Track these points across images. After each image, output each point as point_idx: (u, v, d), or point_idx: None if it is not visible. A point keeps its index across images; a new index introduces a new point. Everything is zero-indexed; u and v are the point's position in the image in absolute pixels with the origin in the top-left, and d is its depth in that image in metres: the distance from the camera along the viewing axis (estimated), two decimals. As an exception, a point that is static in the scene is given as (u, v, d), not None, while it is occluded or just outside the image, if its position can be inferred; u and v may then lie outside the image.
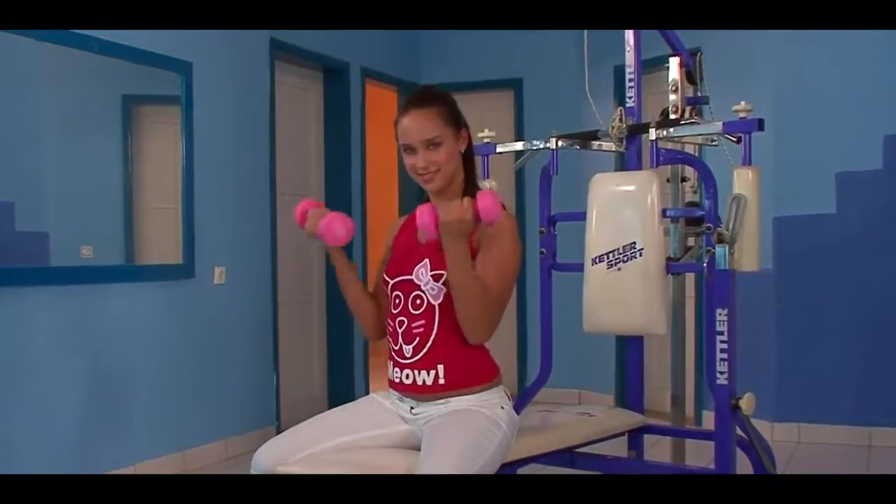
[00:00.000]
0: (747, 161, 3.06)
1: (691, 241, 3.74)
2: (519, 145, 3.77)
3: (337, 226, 2.61)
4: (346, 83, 6.42)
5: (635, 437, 3.53)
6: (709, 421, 5.22)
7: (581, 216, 3.51)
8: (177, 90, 4.95)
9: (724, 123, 3.12)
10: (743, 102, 3.05)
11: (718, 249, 2.94)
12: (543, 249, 3.65)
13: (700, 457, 4.33)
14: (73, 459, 4.33)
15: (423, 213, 2.47)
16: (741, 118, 3.05)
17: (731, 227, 2.95)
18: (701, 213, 3.34)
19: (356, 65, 6.48)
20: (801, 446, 5.29)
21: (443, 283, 2.58)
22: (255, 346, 5.50)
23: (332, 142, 6.43)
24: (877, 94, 5.34)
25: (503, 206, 2.72)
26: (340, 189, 6.40)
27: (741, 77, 5.31)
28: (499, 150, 3.78)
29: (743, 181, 3.03)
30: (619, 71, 6.25)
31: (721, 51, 5.33)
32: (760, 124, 3.02)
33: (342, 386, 6.40)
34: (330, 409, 6.13)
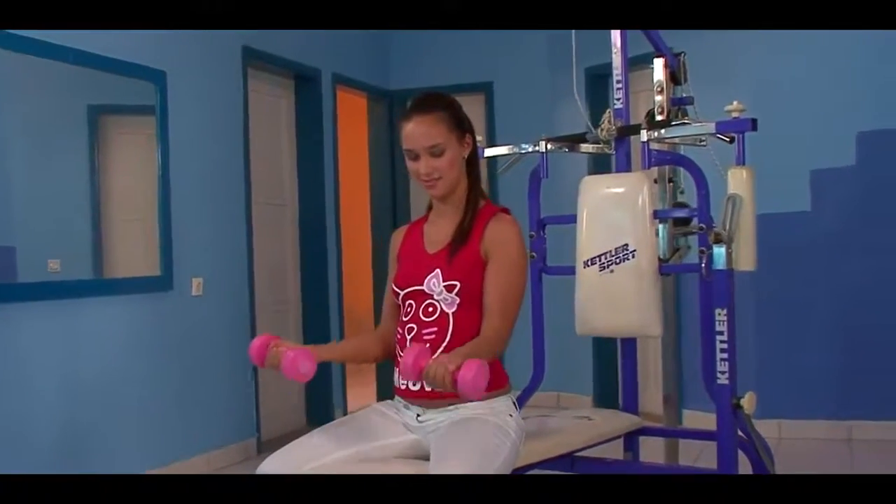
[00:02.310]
0: (741, 161, 3.07)
1: (680, 242, 3.74)
2: (506, 149, 3.75)
3: (300, 363, 2.46)
4: (318, 90, 6.37)
5: (631, 439, 3.52)
6: (692, 420, 5.26)
7: (570, 219, 3.51)
8: (144, 100, 4.88)
9: (717, 123, 3.12)
10: (735, 102, 3.06)
11: (716, 249, 2.94)
12: (534, 253, 3.63)
13: (692, 456, 4.35)
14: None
15: (409, 356, 2.33)
16: (734, 118, 3.06)
17: (727, 226, 2.95)
18: (693, 213, 3.34)
19: (327, 71, 6.45)
20: (782, 442, 5.32)
21: (456, 294, 2.57)
22: (233, 357, 5.44)
23: (304, 149, 6.38)
24: (849, 92, 5.40)
25: (507, 212, 2.71)
26: (314, 197, 6.36)
27: (717, 79, 5.33)
28: (486, 154, 3.76)
29: (737, 181, 3.04)
30: (591, 73, 6.39)
31: (696, 52, 5.33)
32: (754, 124, 3.03)
33: (320, 396, 6.35)
34: (308, 419, 6.24)
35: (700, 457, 4.68)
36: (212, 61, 5.33)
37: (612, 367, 6.61)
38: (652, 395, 5.49)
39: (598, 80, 6.32)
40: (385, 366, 7.19)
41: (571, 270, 3.49)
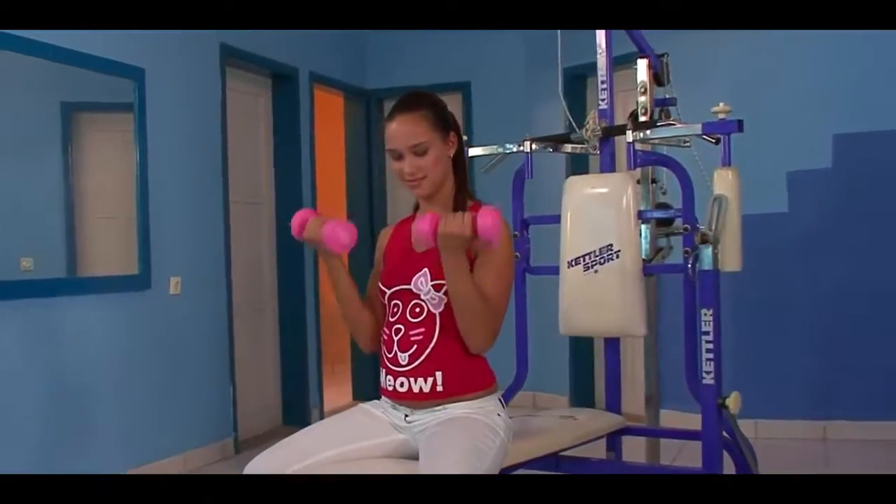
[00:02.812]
0: (727, 162, 3.09)
1: (662, 243, 3.76)
2: (490, 149, 3.75)
3: (341, 232, 2.56)
4: (296, 89, 6.35)
5: (613, 438, 3.53)
6: (668, 420, 5.28)
7: (554, 219, 3.51)
8: (119, 97, 4.84)
9: (703, 124, 3.13)
10: (722, 104, 3.08)
11: (703, 250, 2.95)
12: (518, 253, 3.63)
13: (670, 456, 4.37)
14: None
15: (422, 222, 2.43)
16: (720, 119, 3.07)
17: (713, 227, 2.96)
18: (678, 214, 3.36)
19: (305, 70, 6.42)
20: (758, 441, 5.30)
21: (444, 293, 2.56)
22: (211, 356, 5.42)
23: (281, 148, 6.35)
24: (825, 95, 5.45)
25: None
26: (291, 196, 6.33)
27: (693, 80, 5.35)
28: (470, 154, 3.75)
29: (723, 181, 3.05)
30: (568, 73, 6.40)
31: (674, 54, 5.36)
32: (740, 125, 3.04)
33: (296, 395, 6.33)
34: (284, 419, 6.21)
35: (678, 456, 4.71)
36: (190, 59, 5.30)
37: (588, 367, 6.66)
38: (628, 395, 5.50)
39: (575, 81, 6.35)
40: (361, 366, 7.22)
41: (555, 270, 3.50)
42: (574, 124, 3.63)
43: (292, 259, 6.33)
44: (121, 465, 4.69)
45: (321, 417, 6.43)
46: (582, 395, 6.54)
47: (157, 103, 4.98)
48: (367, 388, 7.14)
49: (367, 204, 7.28)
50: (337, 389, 7.12)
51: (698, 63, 5.55)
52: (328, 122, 7.21)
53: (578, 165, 6.33)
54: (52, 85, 4.50)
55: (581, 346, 6.51)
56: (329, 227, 2.56)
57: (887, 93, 5.37)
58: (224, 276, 5.57)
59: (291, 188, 6.34)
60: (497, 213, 2.41)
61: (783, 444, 5.29)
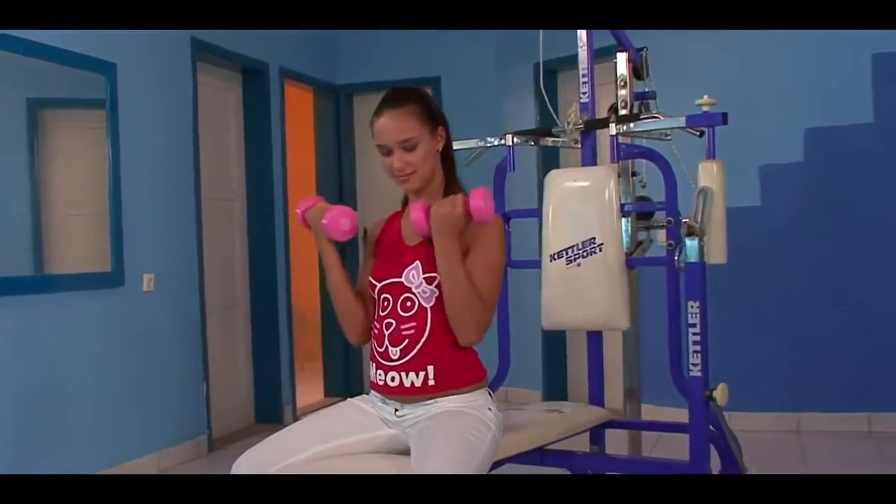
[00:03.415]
0: (711, 154, 3.09)
1: (642, 236, 3.77)
2: (471, 142, 3.73)
3: (341, 219, 2.61)
4: (266, 84, 6.30)
5: (597, 432, 3.53)
6: (645, 413, 5.30)
7: (534, 212, 3.50)
8: (87, 93, 4.77)
9: (687, 117, 3.14)
10: (706, 96, 3.08)
11: (689, 242, 2.95)
12: (499, 247, 3.62)
13: (647, 448, 4.38)
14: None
15: (416, 209, 2.47)
16: (704, 112, 3.08)
17: (699, 219, 2.96)
18: (660, 207, 3.36)
19: (275, 65, 6.37)
20: (733, 435, 5.37)
21: (436, 286, 2.54)
22: (184, 354, 5.36)
23: (252, 144, 6.31)
24: (797, 90, 5.50)
25: (494, 220, 2.69)
26: (262, 192, 6.29)
27: (666, 75, 5.37)
28: (451, 148, 3.73)
29: (708, 174, 3.06)
30: (538, 69, 6.39)
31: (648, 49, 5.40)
32: (724, 118, 3.05)
33: (269, 393, 6.29)
34: (257, 417, 6.17)
35: (654, 448, 4.73)
36: (161, 53, 5.24)
37: (561, 362, 6.67)
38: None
39: (547, 76, 6.33)
40: (332, 364, 7.18)
41: (536, 264, 3.49)
42: (556, 118, 3.62)
43: (264, 256, 6.29)
44: (95, 465, 4.63)
45: (294, 415, 6.40)
46: (555, 391, 6.56)
47: (129, 99, 4.92)
48: (337, 386, 7.13)
49: (337, 199, 7.24)
50: (308, 388, 7.08)
51: (670, 59, 5.56)
52: (298, 117, 7.17)
53: (550, 159, 6.34)
54: (18, 81, 4.40)
55: (554, 342, 6.52)
56: (331, 213, 2.59)
57: (857, 87, 5.42)
58: (197, 272, 5.51)
59: (262, 184, 6.30)
60: (488, 192, 2.47)
61: (758, 437, 5.30)
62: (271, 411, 6.23)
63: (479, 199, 2.44)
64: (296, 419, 6.34)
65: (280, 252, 6.35)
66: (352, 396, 2.76)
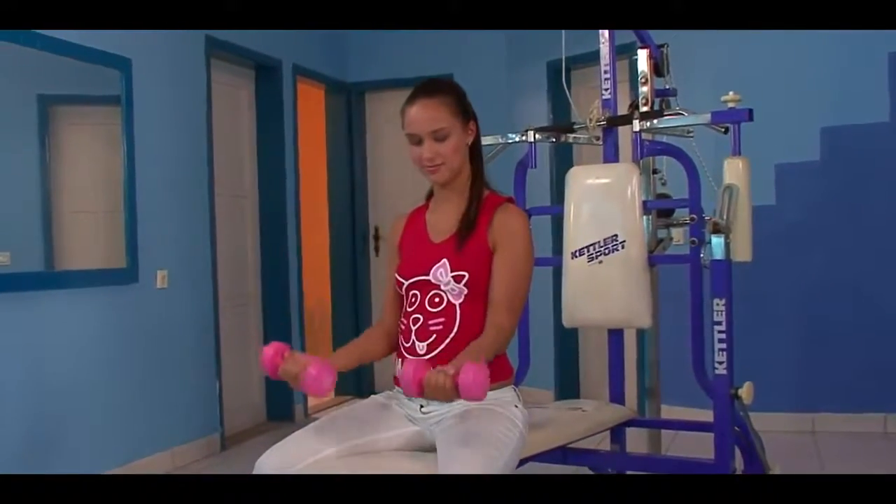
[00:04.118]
0: (737, 151, 3.08)
1: (662, 234, 3.75)
2: (492, 138, 3.71)
3: (326, 378, 2.37)
4: (279, 81, 6.28)
5: (617, 430, 3.51)
6: (662, 412, 5.28)
7: (556, 209, 3.49)
8: (99, 90, 4.75)
9: (713, 113, 3.12)
10: (731, 93, 3.06)
11: (715, 240, 2.93)
12: (519, 244, 3.60)
13: (663, 447, 4.35)
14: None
15: (407, 371, 2.25)
16: (730, 108, 3.06)
17: (724, 216, 2.94)
18: (684, 204, 3.34)
19: (288, 62, 6.35)
20: (747, 435, 5.35)
21: (464, 285, 2.52)
22: (197, 351, 5.34)
23: (265, 141, 6.28)
24: (813, 89, 5.47)
25: (512, 201, 2.68)
26: (274, 189, 6.27)
27: (680, 72, 5.36)
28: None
29: (733, 171, 3.04)
30: (552, 67, 6.39)
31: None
32: (750, 114, 3.03)
33: (280, 392, 6.25)
34: (268, 415, 6.15)
35: (671, 447, 4.71)
36: (176, 50, 5.22)
37: (573, 361, 6.65)
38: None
39: (558, 74, 6.32)
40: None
41: (556, 262, 3.47)
42: (576, 114, 3.60)
43: (276, 253, 6.27)
44: (106, 463, 4.61)
45: (305, 414, 6.38)
46: (567, 390, 6.53)
47: (143, 95, 4.90)
48: (348, 384, 7.09)
49: (348, 197, 7.23)
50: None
51: (685, 57, 5.53)
52: (310, 115, 7.14)
53: (563, 157, 6.33)
54: (29, 76, 4.37)
55: (566, 341, 6.50)
56: (311, 373, 2.36)
57: (874, 86, 5.39)
58: (210, 270, 5.49)
59: (275, 181, 6.27)
60: (480, 367, 2.19)
61: (773, 437, 5.26)
62: (283, 409, 6.20)
63: (469, 377, 2.16)
64: (307, 417, 6.32)
65: (292, 250, 6.33)
66: (360, 394, 2.73)
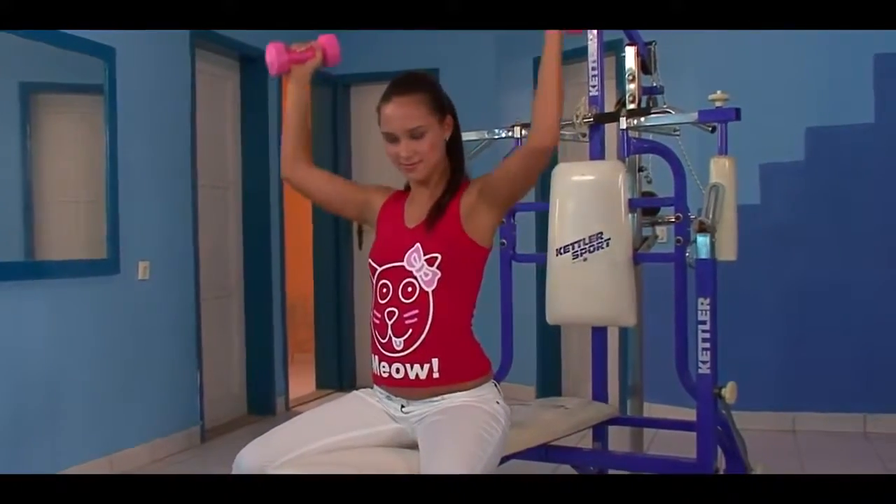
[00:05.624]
0: (723, 150, 3.08)
1: (647, 232, 3.74)
2: (478, 134, 3.69)
3: (335, 42, 2.82)
4: (264, 72, 6.19)
5: (599, 428, 3.50)
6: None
7: (540, 206, 3.47)
8: (82, 78, 4.70)
9: (699, 112, 3.11)
10: (719, 91, 3.06)
11: (700, 238, 2.93)
12: (504, 240, 3.60)
13: (646, 445, 4.36)
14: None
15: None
16: (717, 107, 3.05)
17: (710, 215, 2.94)
18: (669, 203, 3.34)
19: (273, 53, 6.30)
20: (728, 433, 5.36)
21: (437, 268, 2.50)
22: (178, 343, 5.31)
23: (249, 132, 6.25)
24: (799, 89, 5.47)
25: None
26: (257, 180, 6.23)
27: (670, 71, 5.36)
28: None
29: (720, 170, 3.04)
30: (537, 62, 6.36)
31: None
32: (737, 113, 3.02)
33: (262, 383, 6.24)
34: (249, 408, 6.12)
35: (651, 445, 4.72)
36: (160, 39, 5.17)
37: (556, 358, 6.64)
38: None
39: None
40: (325, 355, 7.14)
41: (541, 258, 3.46)
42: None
43: (259, 245, 6.23)
44: (87, 455, 4.57)
45: (286, 406, 6.35)
46: (549, 387, 6.53)
47: (127, 84, 4.85)
48: (330, 378, 7.08)
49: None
50: (299, 379, 7.02)
51: (671, 56, 5.52)
52: (294, 107, 7.10)
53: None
54: (11, 63, 4.31)
55: (548, 337, 6.49)
56: (326, 37, 2.83)
57: (859, 87, 5.40)
58: (192, 261, 5.46)
59: (258, 173, 6.24)
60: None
61: (753, 435, 5.27)
62: (264, 402, 6.18)
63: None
64: (288, 410, 6.30)
65: (275, 241, 6.30)
66: (342, 388, 2.71)
